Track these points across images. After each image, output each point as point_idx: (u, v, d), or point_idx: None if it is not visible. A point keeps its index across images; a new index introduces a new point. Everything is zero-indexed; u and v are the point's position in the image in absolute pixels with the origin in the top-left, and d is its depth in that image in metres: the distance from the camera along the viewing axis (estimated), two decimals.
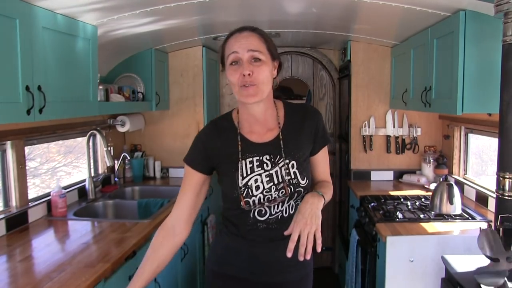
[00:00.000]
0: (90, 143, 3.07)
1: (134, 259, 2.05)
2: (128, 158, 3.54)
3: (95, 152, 3.32)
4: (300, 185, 1.56)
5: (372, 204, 2.77)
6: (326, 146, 1.72)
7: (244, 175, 1.56)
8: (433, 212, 2.54)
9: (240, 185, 1.55)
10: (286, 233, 1.44)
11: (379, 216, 2.51)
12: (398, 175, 3.61)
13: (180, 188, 1.64)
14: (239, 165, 1.57)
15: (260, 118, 1.58)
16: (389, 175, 3.65)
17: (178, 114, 3.73)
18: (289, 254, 1.38)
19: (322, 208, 1.50)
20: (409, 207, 2.70)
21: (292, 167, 1.57)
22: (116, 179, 3.44)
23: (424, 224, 2.38)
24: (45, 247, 2.02)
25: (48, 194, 2.61)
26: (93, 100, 2.35)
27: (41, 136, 2.58)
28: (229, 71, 1.50)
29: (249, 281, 1.63)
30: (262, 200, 1.55)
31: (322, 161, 1.71)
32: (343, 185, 3.98)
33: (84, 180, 3.03)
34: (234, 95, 1.52)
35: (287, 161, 1.57)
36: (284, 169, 1.56)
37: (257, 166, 1.57)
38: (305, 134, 1.63)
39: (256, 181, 1.56)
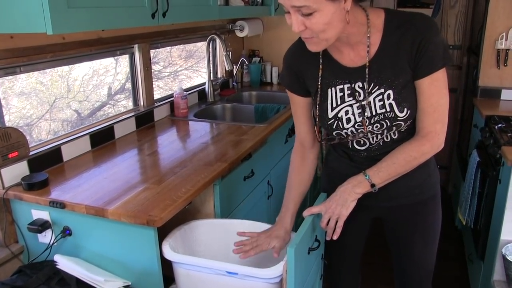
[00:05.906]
0: (210, 48, 3.15)
1: (249, 161, 2.15)
2: (246, 63, 3.59)
3: (214, 56, 3.41)
4: (398, 118, 1.33)
5: (500, 125, 2.55)
6: (440, 74, 1.29)
7: (334, 105, 1.39)
8: None
9: (330, 116, 1.40)
10: (304, 214, 1.47)
11: (506, 139, 2.32)
12: None
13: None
14: (329, 93, 1.40)
15: (346, 42, 1.33)
16: None
17: None
18: (304, 214, 1.46)
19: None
20: None
21: (388, 97, 1.32)
22: (234, 83, 3.53)
23: None
24: (169, 144, 2.19)
25: (171, 96, 2.78)
26: (213, 4, 2.36)
27: (165, 39, 2.69)
28: (287, 19, 1.22)
29: (363, 205, 1.52)
30: (355, 133, 1.41)
31: (425, 94, 1.31)
32: (467, 102, 3.69)
33: (203, 84, 3.16)
34: None
35: (382, 90, 1.32)
36: (379, 101, 1.33)
37: (348, 96, 1.37)
38: (403, 56, 1.29)
39: (347, 112, 1.38)
